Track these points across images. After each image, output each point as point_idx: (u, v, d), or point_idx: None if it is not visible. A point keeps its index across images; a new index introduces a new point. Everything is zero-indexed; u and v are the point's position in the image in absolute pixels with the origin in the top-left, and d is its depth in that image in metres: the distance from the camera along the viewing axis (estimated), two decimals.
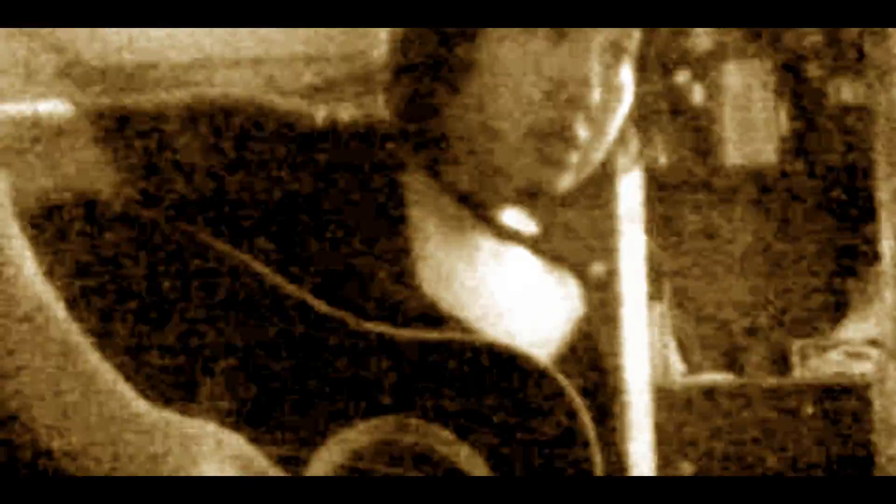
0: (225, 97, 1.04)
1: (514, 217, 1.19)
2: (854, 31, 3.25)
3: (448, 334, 1.03)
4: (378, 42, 1.14)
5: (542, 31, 1.08)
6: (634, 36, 1.11)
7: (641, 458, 2.98)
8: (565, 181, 1.11)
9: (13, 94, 3.47)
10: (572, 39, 1.08)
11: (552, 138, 1.08)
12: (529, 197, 1.13)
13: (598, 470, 1.02)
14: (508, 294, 1.15)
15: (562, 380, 1.01)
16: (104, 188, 0.98)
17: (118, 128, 0.99)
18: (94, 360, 0.89)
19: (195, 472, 0.88)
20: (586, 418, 1.01)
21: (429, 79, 1.10)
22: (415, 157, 1.13)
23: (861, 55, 3.24)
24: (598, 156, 1.13)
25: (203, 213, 1.00)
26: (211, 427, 0.91)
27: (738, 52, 3.32)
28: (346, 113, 1.10)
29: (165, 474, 0.87)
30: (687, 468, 3.33)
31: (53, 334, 0.88)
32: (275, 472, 0.93)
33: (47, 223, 0.95)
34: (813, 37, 3.31)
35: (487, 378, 1.00)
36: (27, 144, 0.97)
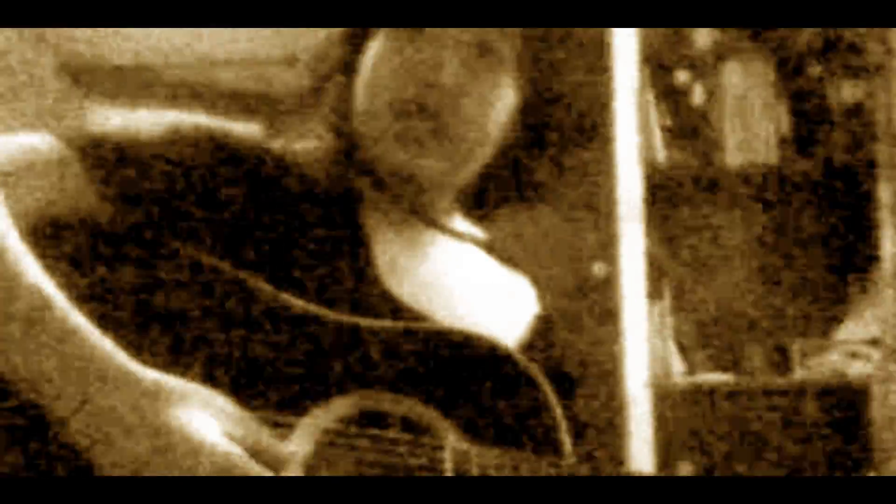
0: (192, 127, 1.13)
1: (462, 222, 1.27)
2: (854, 31, 3.25)
3: (416, 322, 1.11)
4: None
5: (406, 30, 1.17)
6: (504, 38, 1.16)
7: (641, 459, 2.98)
8: (437, 166, 1.17)
9: (13, 95, 3.48)
10: (428, 34, 1.16)
11: (409, 115, 1.15)
12: (406, 185, 1.19)
13: (564, 435, 1.08)
14: (465, 291, 1.23)
15: (525, 361, 1.08)
16: (90, 210, 1.06)
17: (101, 157, 1.07)
18: (94, 334, 0.94)
19: (188, 424, 0.92)
20: (551, 395, 1.08)
21: (331, 82, 1.22)
22: (357, 170, 1.21)
23: (861, 55, 3.24)
24: (475, 149, 1.19)
25: (184, 228, 1.08)
26: (203, 388, 0.96)
27: (738, 52, 3.32)
28: (301, 143, 1.21)
29: (158, 424, 0.91)
30: (686, 468, 3.33)
31: (55, 323, 0.93)
32: (264, 430, 0.97)
33: (40, 243, 1.00)
34: (813, 37, 3.31)
35: (456, 361, 1.07)
36: (17, 174, 1.04)
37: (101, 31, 3.62)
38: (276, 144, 1.18)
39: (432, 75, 1.15)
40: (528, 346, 1.22)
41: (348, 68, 1.20)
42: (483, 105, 1.17)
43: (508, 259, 1.31)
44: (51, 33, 3.62)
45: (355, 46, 1.20)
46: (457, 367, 1.06)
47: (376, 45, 1.18)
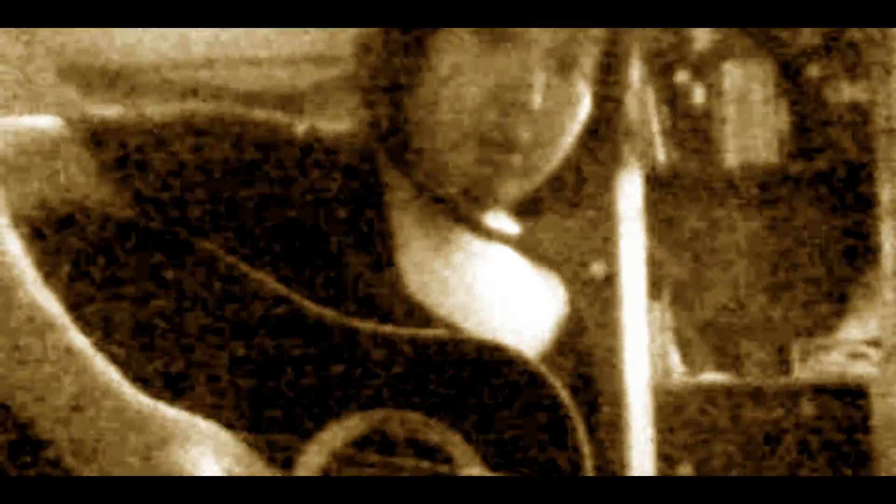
0: (211, 112, 1.07)
1: (496, 218, 1.20)
2: (854, 31, 3.25)
3: (438, 331, 1.05)
4: (347, 49, 1.16)
5: (485, 33, 1.08)
6: (585, 45, 1.10)
7: (641, 459, 2.99)
8: (511, 186, 1.12)
9: (12, 96, 3.47)
10: (514, 44, 1.08)
11: (493, 141, 1.08)
12: (476, 200, 1.13)
13: (587, 462, 1.03)
14: (493, 293, 1.17)
15: (548, 375, 1.03)
16: (96, 197, 1.01)
17: (109, 141, 1.02)
18: (91, 356, 0.90)
19: (187, 464, 0.89)
20: (573, 412, 1.02)
21: (388, 83, 1.12)
22: (392, 163, 1.15)
23: (861, 55, 3.24)
24: (548, 163, 1.13)
25: (194, 220, 1.03)
26: (203, 422, 0.92)
27: (738, 52, 3.32)
28: (327, 125, 1.13)
29: (156, 465, 0.88)
30: (686, 468, 3.33)
31: (52, 334, 0.89)
32: (263, 465, 0.94)
33: (42, 232, 0.97)
34: (813, 37, 3.32)
35: (476, 374, 1.02)
36: (21, 157, 1.00)
37: (102, 31, 3.62)
38: (300, 129, 1.10)
39: (521, 97, 1.07)
40: (556, 349, 1.17)
41: (405, 65, 1.11)
42: (565, 120, 1.11)
43: (539, 257, 1.25)
44: (50, 33, 3.62)
45: (416, 43, 1.10)
46: (475, 383, 1.01)
47: (449, 49, 1.09)
